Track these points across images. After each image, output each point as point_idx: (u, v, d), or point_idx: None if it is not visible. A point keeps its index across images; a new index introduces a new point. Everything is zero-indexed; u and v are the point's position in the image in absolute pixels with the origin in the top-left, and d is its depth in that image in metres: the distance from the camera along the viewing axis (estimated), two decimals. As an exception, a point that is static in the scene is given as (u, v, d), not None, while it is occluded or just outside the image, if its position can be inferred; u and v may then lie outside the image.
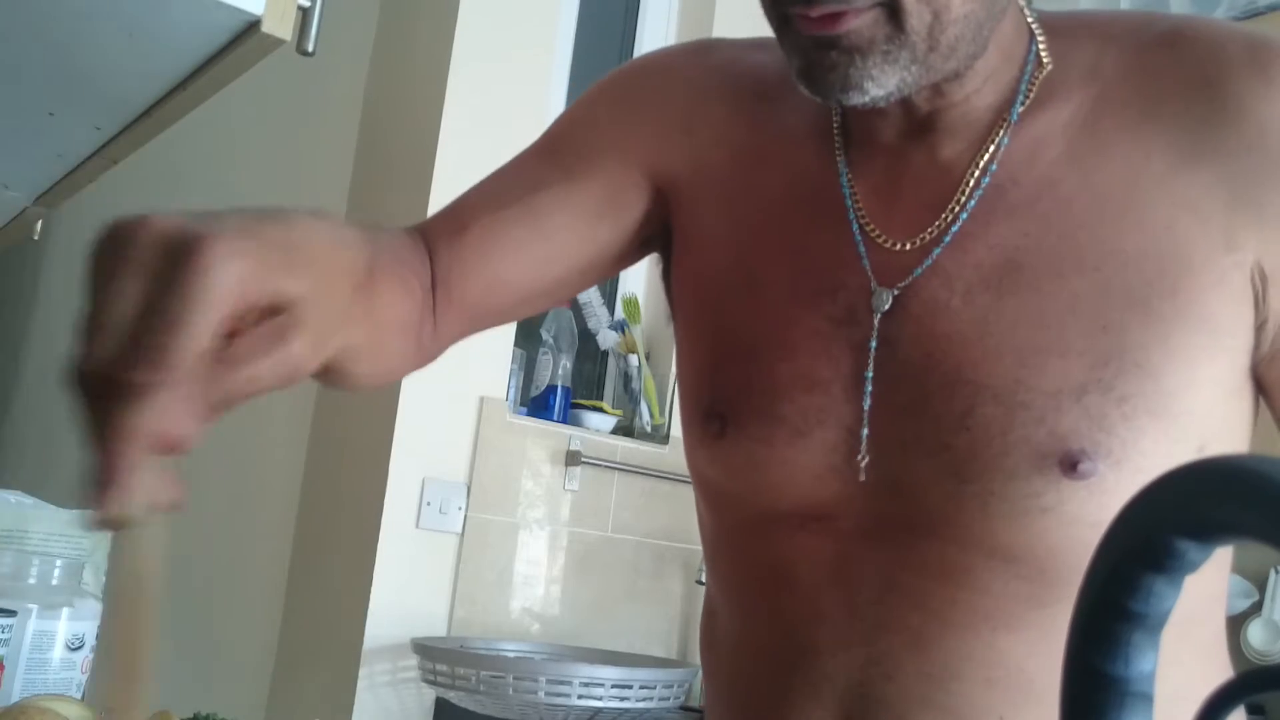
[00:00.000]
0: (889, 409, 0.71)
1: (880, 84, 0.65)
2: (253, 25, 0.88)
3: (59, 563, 0.97)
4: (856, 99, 0.66)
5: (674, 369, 2.64)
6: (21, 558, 0.96)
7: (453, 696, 2.05)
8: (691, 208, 0.82)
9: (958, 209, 0.71)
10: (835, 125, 0.77)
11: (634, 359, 2.63)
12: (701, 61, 0.85)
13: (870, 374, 0.71)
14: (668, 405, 2.63)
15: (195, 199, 2.77)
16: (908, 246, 0.72)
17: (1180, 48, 0.70)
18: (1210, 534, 0.32)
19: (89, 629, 0.95)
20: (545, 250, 0.82)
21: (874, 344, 0.71)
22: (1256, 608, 2.46)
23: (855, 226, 0.74)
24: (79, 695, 0.94)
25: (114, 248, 0.47)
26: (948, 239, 0.71)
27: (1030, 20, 0.74)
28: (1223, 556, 0.75)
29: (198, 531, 2.64)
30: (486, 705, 2.00)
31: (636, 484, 2.56)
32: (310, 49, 0.90)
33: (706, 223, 0.81)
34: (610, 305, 2.74)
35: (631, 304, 2.68)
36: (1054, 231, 0.69)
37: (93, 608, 0.97)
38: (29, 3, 0.90)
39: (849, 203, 0.75)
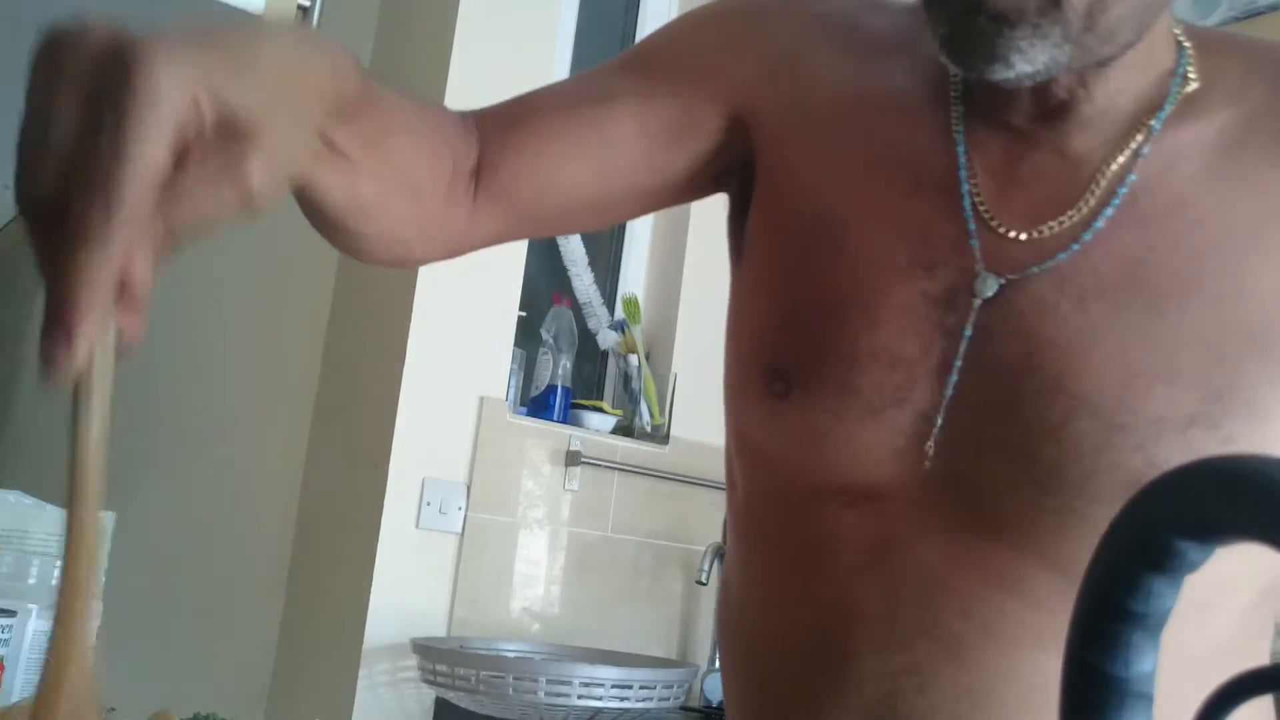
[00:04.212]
0: (973, 403, 0.67)
1: (1029, 59, 0.61)
2: (253, 25, 0.88)
3: (59, 563, 0.97)
4: (1001, 73, 0.62)
5: (674, 369, 2.65)
6: (21, 558, 0.96)
7: (453, 696, 2.05)
8: (781, 150, 0.77)
9: (1085, 210, 0.67)
10: (954, 95, 0.72)
11: (634, 359, 2.63)
12: (808, 8, 0.81)
13: (959, 362, 0.67)
14: (668, 405, 2.63)
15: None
16: (1023, 236, 0.68)
17: None
18: (1210, 534, 0.32)
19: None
20: (606, 162, 0.77)
21: (968, 331, 0.67)
22: (1256, 608, 2.46)
23: (968, 203, 0.69)
24: (79, 695, 0.94)
25: (51, 60, 0.43)
26: (1077, 245, 0.67)
27: (1178, 32, 0.70)
28: (1277, 589, 0.71)
29: (198, 531, 2.64)
30: (486, 705, 2.00)
31: (636, 484, 2.56)
32: (310, 49, 0.89)
33: (796, 168, 0.76)
34: (610, 305, 2.74)
35: (631, 304, 2.68)
36: (1182, 252, 0.66)
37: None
38: (29, 2, 0.90)
39: (962, 174, 0.70)
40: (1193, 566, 0.33)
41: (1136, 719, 0.34)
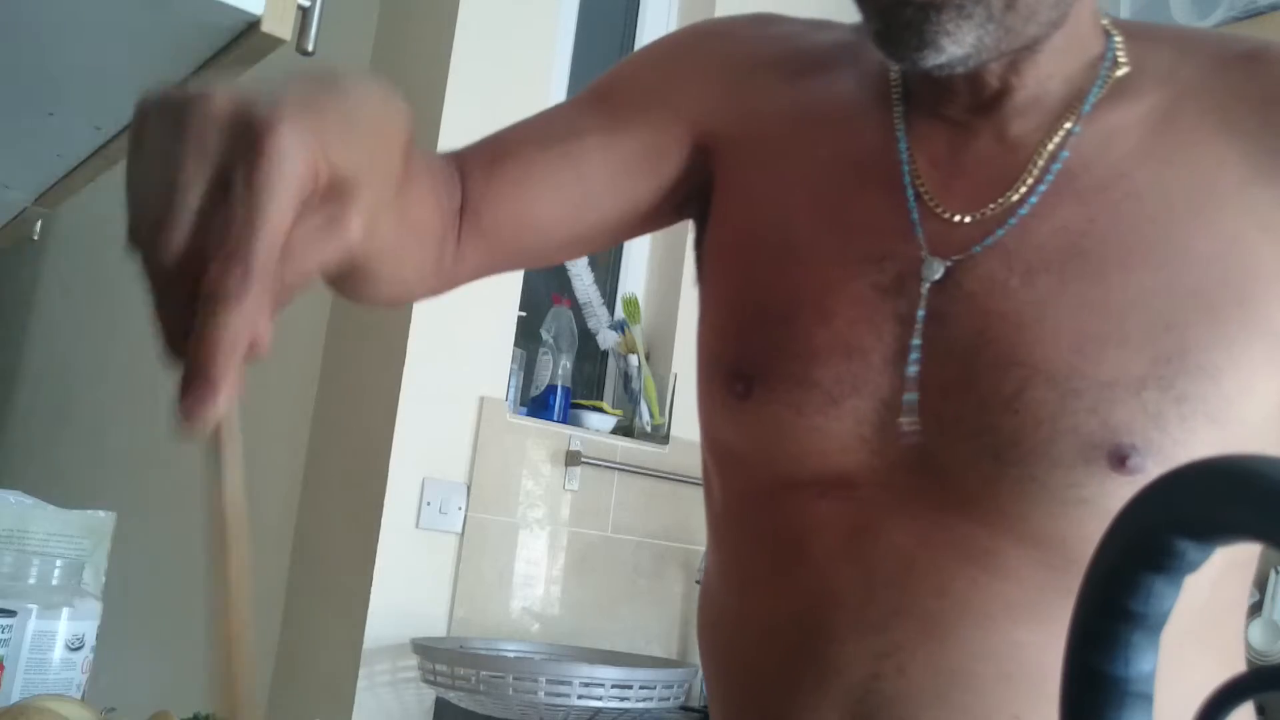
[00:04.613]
0: (932, 384, 0.69)
1: (958, 41, 0.64)
2: (253, 25, 0.88)
3: (59, 563, 0.97)
4: (933, 59, 0.65)
5: (674, 369, 2.65)
6: (21, 558, 0.96)
7: (453, 696, 2.05)
8: (737, 166, 0.81)
9: (1024, 189, 0.70)
10: (895, 96, 0.76)
11: (634, 359, 2.63)
12: (761, 30, 0.85)
13: (917, 340, 0.69)
14: (668, 405, 2.63)
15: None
16: (966, 219, 0.71)
17: (1262, 65, 0.70)
18: (1210, 534, 0.32)
19: (89, 629, 0.95)
20: (581, 195, 0.81)
21: (922, 313, 0.70)
22: (1256, 608, 2.46)
23: (910, 194, 0.72)
24: (79, 695, 0.94)
25: (169, 124, 0.44)
26: (1014, 220, 0.69)
27: (1105, 22, 0.74)
28: (1247, 560, 0.74)
29: (198, 531, 2.64)
30: (486, 705, 2.00)
31: (636, 484, 2.56)
32: (310, 49, 0.89)
33: (751, 183, 0.80)
34: (610, 305, 2.74)
35: (631, 304, 2.68)
36: (1122, 222, 0.68)
37: (93, 608, 0.97)
38: (28, 3, 0.90)
39: (905, 168, 0.73)
40: (1193, 566, 0.33)
41: (1136, 719, 0.34)
